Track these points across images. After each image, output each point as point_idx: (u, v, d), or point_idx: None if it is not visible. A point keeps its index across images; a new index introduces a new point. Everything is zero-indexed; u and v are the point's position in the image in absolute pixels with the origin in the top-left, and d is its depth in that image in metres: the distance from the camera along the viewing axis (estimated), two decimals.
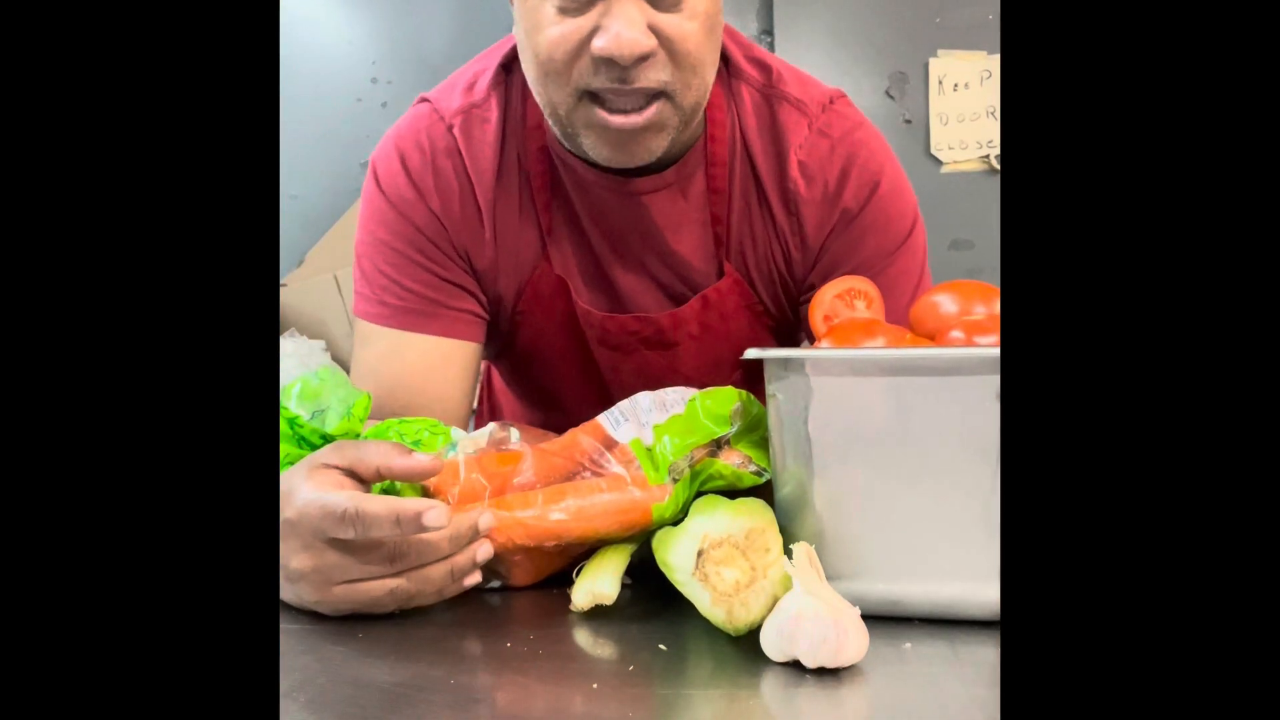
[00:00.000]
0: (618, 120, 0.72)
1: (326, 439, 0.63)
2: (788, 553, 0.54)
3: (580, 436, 0.67)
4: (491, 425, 0.68)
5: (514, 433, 0.67)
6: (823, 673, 0.50)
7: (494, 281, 0.87)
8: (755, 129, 0.84)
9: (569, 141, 0.78)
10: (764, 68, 0.86)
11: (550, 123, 0.78)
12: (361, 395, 0.64)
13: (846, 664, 0.50)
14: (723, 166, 0.84)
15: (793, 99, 0.84)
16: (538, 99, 0.77)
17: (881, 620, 0.56)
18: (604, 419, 0.71)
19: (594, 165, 0.81)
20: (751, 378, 0.97)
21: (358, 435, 0.64)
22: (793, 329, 0.93)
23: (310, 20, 2.57)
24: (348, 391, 0.64)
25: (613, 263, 0.86)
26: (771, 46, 2.37)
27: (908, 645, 0.53)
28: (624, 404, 0.72)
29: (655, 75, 0.71)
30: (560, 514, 0.61)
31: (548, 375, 0.95)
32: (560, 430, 0.71)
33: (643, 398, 0.71)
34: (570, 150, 0.81)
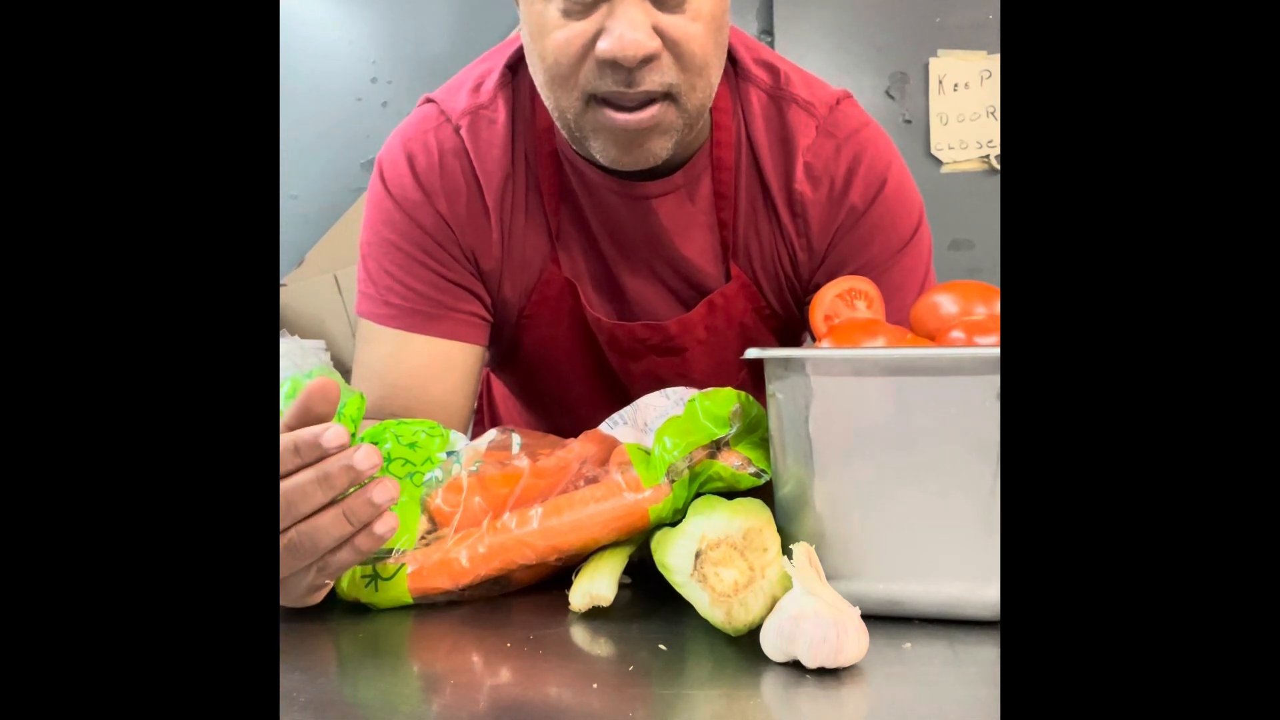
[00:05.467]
0: (623, 118, 0.72)
1: None
2: (787, 552, 0.54)
3: (577, 447, 0.67)
4: (492, 431, 0.68)
5: (515, 438, 0.67)
6: (823, 673, 0.50)
7: (500, 283, 0.87)
8: (763, 132, 0.84)
9: (578, 146, 0.78)
10: (771, 70, 0.86)
11: (559, 126, 0.78)
12: (354, 395, 0.64)
13: (846, 664, 0.50)
14: (729, 171, 0.84)
15: (801, 101, 0.84)
16: (546, 103, 0.77)
17: (881, 620, 0.56)
18: (604, 425, 0.71)
19: (601, 168, 0.81)
20: (758, 379, 0.97)
21: (351, 435, 0.64)
22: (799, 329, 0.93)
23: (310, 20, 2.57)
24: (340, 391, 0.64)
25: (621, 266, 0.86)
26: (771, 46, 2.37)
27: (908, 645, 0.53)
28: (626, 410, 0.73)
29: (660, 78, 0.71)
30: (558, 529, 0.61)
31: (555, 378, 0.95)
32: (566, 435, 0.71)
33: (646, 405, 0.71)
34: (579, 153, 0.82)
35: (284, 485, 0.53)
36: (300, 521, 0.54)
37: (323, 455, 0.53)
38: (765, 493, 0.62)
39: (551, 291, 0.87)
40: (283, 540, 0.54)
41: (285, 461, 0.53)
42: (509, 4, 0.78)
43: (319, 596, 0.59)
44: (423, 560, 0.61)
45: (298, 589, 0.57)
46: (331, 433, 0.53)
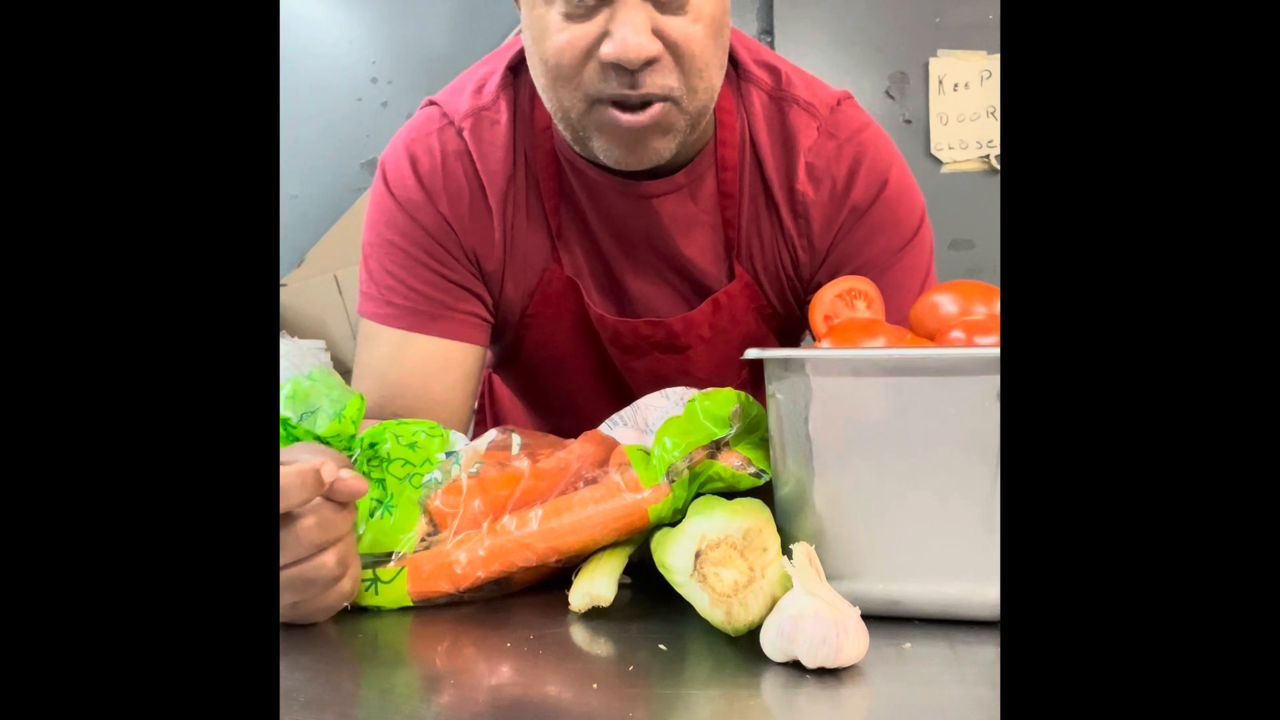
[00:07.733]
0: (627, 118, 0.72)
1: (319, 440, 0.62)
2: (787, 552, 0.54)
3: (576, 448, 0.67)
4: (492, 431, 0.68)
5: (515, 439, 0.67)
6: (823, 673, 0.50)
7: (503, 283, 0.87)
8: (765, 132, 0.84)
9: (579, 146, 0.78)
10: (773, 71, 0.86)
11: (560, 127, 0.78)
12: (354, 397, 0.64)
13: (846, 664, 0.50)
14: (733, 170, 0.84)
15: (802, 102, 0.85)
16: (547, 104, 0.77)
17: (881, 620, 0.55)
18: (605, 426, 0.71)
19: (603, 168, 0.81)
20: (758, 379, 0.97)
21: (351, 437, 0.64)
22: (801, 328, 0.94)
23: (310, 20, 2.57)
24: (340, 393, 0.64)
25: (623, 266, 0.87)
26: (771, 46, 2.38)
27: (908, 645, 0.53)
28: (626, 411, 0.72)
29: (661, 80, 0.71)
30: (558, 530, 0.61)
31: (558, 378, 0.95)
32: (568, 435, 0.71)
33: (647, 406, 0.71)
34: (579, 153, 0.82)
35: (285, 522, 0.54)
36: (302, 561, 0.55)
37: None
38: (765, 493, 0.62)
39: (554, 291, 0.87)
40: (286, 576, 0.55)
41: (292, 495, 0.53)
42: (509, 4, 0.78)
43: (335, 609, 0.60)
44: (422, 563, 0.61)
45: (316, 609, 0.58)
46: (328, 468, 0.54)
